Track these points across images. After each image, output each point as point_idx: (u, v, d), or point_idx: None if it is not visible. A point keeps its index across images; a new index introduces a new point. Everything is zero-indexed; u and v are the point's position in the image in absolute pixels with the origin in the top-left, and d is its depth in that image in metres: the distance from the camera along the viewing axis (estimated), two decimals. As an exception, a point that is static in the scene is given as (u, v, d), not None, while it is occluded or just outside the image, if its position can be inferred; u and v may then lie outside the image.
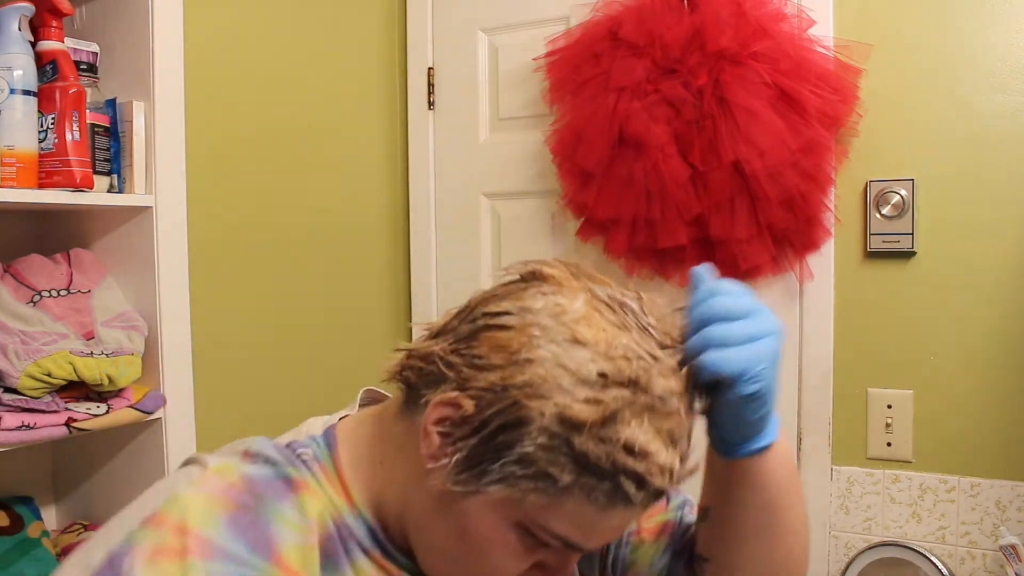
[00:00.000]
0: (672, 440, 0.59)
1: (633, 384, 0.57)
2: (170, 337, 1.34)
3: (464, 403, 0.59)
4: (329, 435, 0.70)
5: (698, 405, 0.63)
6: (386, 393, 0.77)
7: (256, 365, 1.62)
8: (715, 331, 0.61)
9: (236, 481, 0.61)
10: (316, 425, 0.72)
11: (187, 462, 0.65)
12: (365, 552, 0.65)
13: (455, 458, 0.59)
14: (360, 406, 0.76)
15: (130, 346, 1.28)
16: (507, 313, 0.61)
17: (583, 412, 0.56)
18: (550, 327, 0.59)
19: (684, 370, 0.61)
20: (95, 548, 0.58)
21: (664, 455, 0.58)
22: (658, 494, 0.59)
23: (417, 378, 0.64)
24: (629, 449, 0.57)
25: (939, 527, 1.53)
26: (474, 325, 0.62)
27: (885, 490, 1.57)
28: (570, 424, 0.56)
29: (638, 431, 0.57)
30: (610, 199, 1.64)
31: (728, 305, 0.62)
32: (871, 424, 1.58)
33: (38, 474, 1.42)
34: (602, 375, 0.57)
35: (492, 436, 0.58)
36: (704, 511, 0.72)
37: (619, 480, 0.57)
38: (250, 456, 0.64)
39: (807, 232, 1.56)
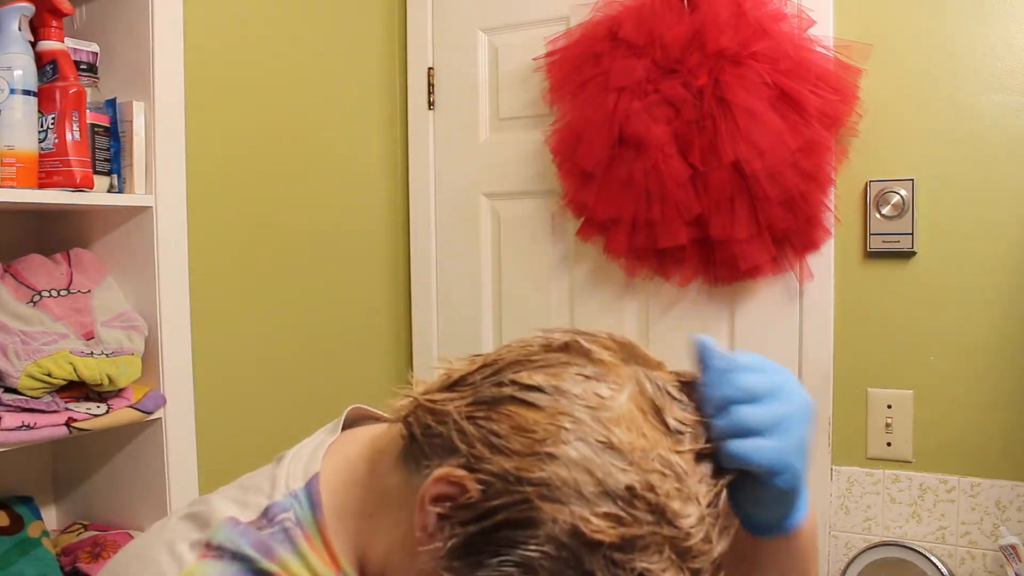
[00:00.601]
0: None
1: (660, 512, 0.51)
2: (170, 337, 1.34)
3: (470, 486, 0.53)
4: (312, 490, 0.62)
5: (724, 501, 0.57)
6: (375, 412, 0.72)
7: (256, 365, 1.62)
8: (741, 415, 0.55)
9: None
10: (299, 467, 0.64)
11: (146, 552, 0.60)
12: None
13: (450, 543, 0.53)
14: (344, 426, 0.70)
15: (130, 346, 1.28)
16: (539, 390, 0.54)
17: (601, 530, 0.50)
18: (584, 422, 0.52)
19: (713, 476, 0.55)
20: None
21: None
22: None
23: (424, 436, 0.57)
24: None
25: (939, 527, 1.53)
26: (499, 391, 0.55)
27: (885, 490, 1.57)
28: (584, 540, 0.50)
29: (657, 564, 0.51)
30: (610, 199, 1.64)
31: (751, 384, 0.56)
32: (871, 424, 1.58)
33: (38, 474, 1.42)
34: (630, 489, 0.51)
35: (495, 530, 0.52)
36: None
37: None
38: (213, 550, 0.57)
39: (807, 232, 1.56)
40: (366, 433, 0.67)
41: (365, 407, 0.72)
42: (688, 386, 0.57)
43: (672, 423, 0.54)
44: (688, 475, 0.52)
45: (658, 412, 0.54)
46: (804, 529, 0.64)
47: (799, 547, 0.64)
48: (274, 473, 0.64)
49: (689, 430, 0.55)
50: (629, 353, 0.57)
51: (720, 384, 0.56)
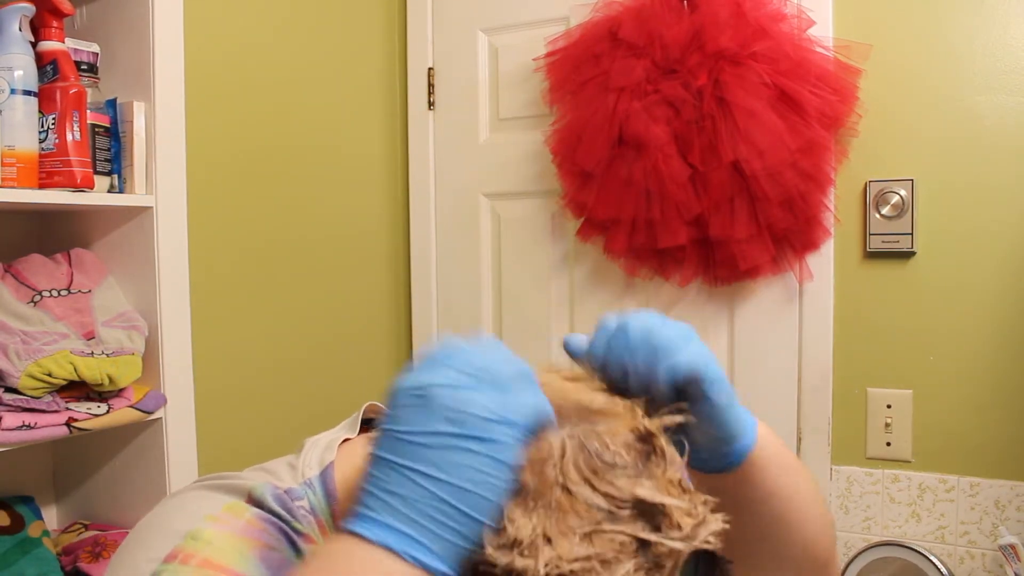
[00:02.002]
0: None
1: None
2: (170, 337, 1.34)
3: None
4: (328, 479, 0.62)
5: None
6: None
7: (256, 364, 1.63)
8: (658, 338, 0.56)
9: (252, 520, 0.57)
10: (315, 456, 0.65)
11: (176, 495, 0.61)
12: None
13: None
14: (362, 422, 0.70)
15: (130, 346, 1.28)
16: None
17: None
18: None
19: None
20: None
21: None
22: None
23: None
24: None
25: (938, 527, 1.53)
26: None
27: (884, 490, 1.57)
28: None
29: None
30: (610, 199, 1.64)
31: (644, 318, 0.57)
32: (870, 424, 1.58)
33: (39, 474, 1.42)
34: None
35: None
36: (724, 565, 0.68)
37: None
38: (255, 502, 0.59)
39: (807, 232, 1.56)
40: None
41: (381, 404, 0.72)
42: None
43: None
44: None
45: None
46: (762, 443, 0.62)
47: (765, 463, 0.62)
48: (291, 462, 0.64)
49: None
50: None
51: (619, 329, 0.57)
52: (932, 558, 1.49)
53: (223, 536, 0.54)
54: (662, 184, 1.57)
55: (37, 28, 1.19)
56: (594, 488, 0.48)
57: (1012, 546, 1.42)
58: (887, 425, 1.57)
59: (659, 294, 1.73)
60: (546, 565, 0.46)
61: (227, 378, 1.54)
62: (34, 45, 1.18)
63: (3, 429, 1.09)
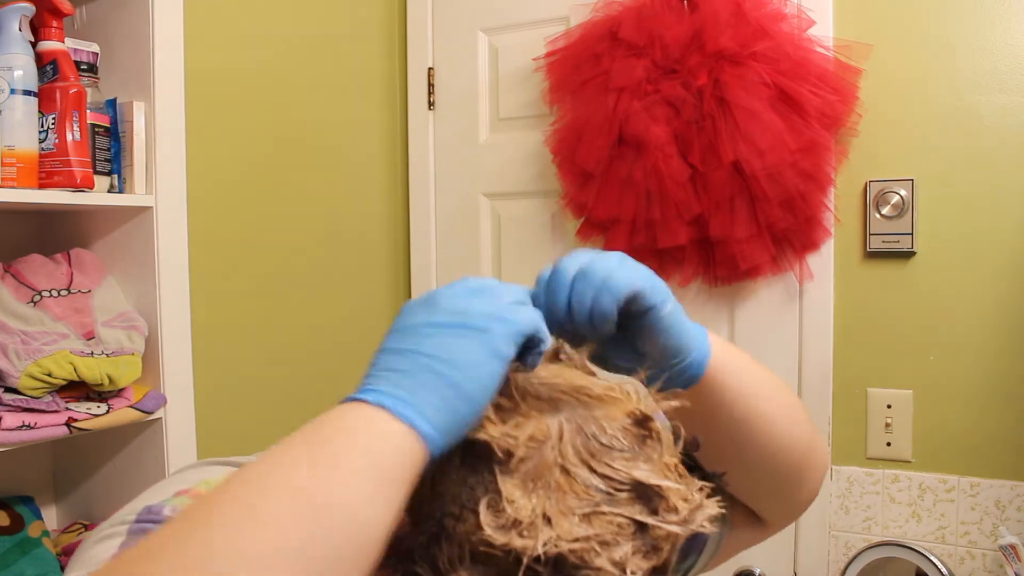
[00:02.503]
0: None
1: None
2: (170, 337, 1.34)
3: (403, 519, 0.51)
4: None
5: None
6: None
7: (256, 365, 1.63)
8: (593, 268, 0.56)
9: None
10: None
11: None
12: None
13: None
14: None
15: (130, 346, 1.28)
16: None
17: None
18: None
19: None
20: (101, 538, 0.55)
21: None
22: None
23: None
24: None
25: (939, 527, 1.53)
26: None
27: (885, 490, 1.57)
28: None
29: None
30: (610, 199, 1.64)
31: (575, 255, 0.58)
32: (871, 424, 1.58)
33: (38, 474, 1.42)
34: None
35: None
36: (695, 444, 0.65)
37: None
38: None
39: (807, 232, 1.56)
40: None
41: None
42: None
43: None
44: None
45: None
46: (717, 355, 0.62)
47: (724, 375, 0.62)
48: None
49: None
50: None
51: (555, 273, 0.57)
52: (932, 558, 1.49)
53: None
54: (662, 184, 1.57)
55: (37, 28, 1.19)
56: (592, 470, 0.49)
57: (1012, 546, 1.42)
58: (887, 425, 1.57)
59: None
60: (545, 544, 0.46)
61: (227, 378, 1.54)
62: (34, 45, 1.18)
63: (3, 429, 1.09)
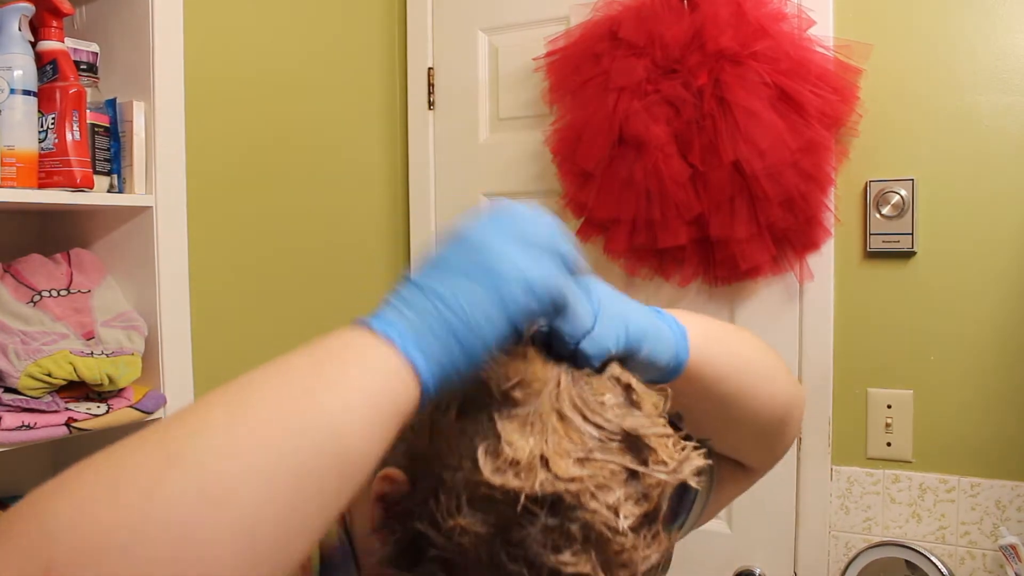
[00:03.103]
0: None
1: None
2: (170, 337, 1.34)
3: (400, 479, 0.54)
4: None
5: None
6: None
7: (256, 365, 1.62)
8: (620, 322, 0.55)
9: None
10: None
11: None
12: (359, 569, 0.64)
13: (392, 542, 0.54)
14: None
15: (130, 346, 1.28)
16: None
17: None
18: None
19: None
20: None
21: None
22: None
23: None
24: None
25: (939, 527, 1.53)
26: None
27: (885, 490, 1.57)
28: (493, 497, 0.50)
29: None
30: (610, 199, 1.64)
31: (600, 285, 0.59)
32: (871, 424, 1.58)
33: (38, 474, 1.41)
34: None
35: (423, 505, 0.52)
36: (678, 416, 0.65)
37: None
38: None
39: (807, 232, 1.56)
40: None
41: None
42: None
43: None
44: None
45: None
46: (697, 346, 0.61)
47: (705, 364, 0.61)
48: None
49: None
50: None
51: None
52: (933, 558, 1.49)
53: None
54: (662, 184, 1.57)
55: (37, 28, 1.19)
56: (585, 418, 0.51)
57: (1013, 546, 1.42)
58: (887, 425, 1.57)
59: (659, 294, 1.73)
60: (542, 484, 0.47)
61: (227, 378, 1.53)
62: (34, 45, 1.18)
63: (3, 429, 1.09)
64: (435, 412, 0.53)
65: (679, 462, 0.51)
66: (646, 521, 0.50)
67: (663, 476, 0.50)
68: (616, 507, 0.49)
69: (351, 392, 0.43)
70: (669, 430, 0.53)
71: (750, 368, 0.67)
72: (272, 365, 0.44)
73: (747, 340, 0.69)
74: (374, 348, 0.45)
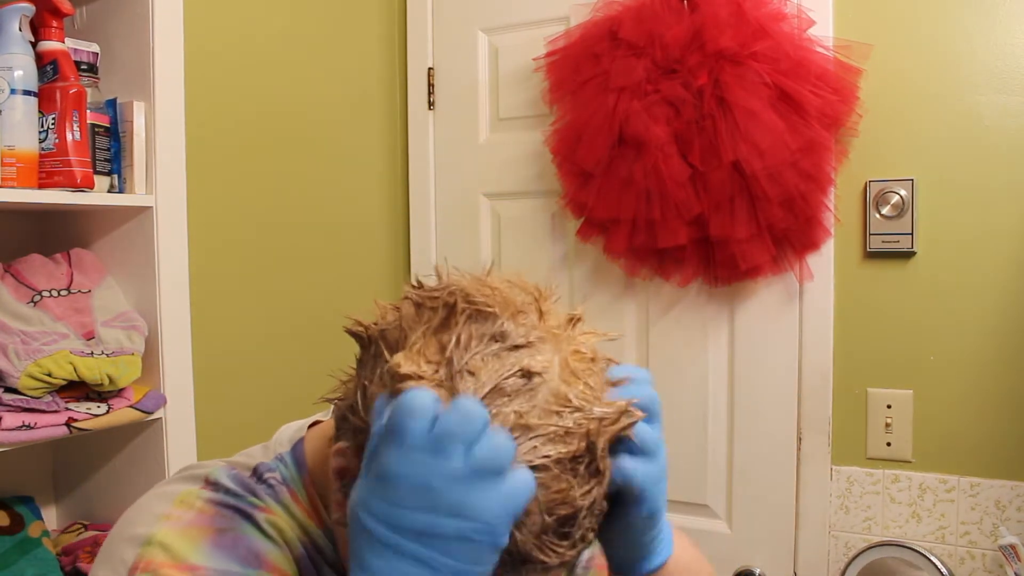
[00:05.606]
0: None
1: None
2: (170, 337, 1.34)
3: (349, 454, 0.56)
4: (298, 452, 0.68)
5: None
6: None
7: (256, 365, 1.63)
8: (640, 431, 0.55)
9: (203, 507, 0.62)
10: (286, 436, 0.71)
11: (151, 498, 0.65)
12: (336, 570, 0.65)
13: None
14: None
15: (130, 346, 1.28)
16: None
17: None
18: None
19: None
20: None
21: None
22: None
23: (337, 413, 0.60)
24: None
25: (939, 527, 1.53)
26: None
27: (885, 490, 1.57)
28: None
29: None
30: (610, 199, 1.64)
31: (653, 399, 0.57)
32: (871, 424, 1.58)
33: (38, 474, 1.42)
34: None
35: None
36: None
37: None
38: (211, 485, 0.64)
39: (807, 232, 1.56)
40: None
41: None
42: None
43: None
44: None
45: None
46: (672, 566, 0.64)
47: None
48: (265, 444, 0.71)
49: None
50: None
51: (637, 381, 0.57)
52: (932, 558, 1.49)
53: (174, 534, 0.59)
54: (662, 184, 1.57)
55: (37, 28, 1.19)
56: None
57: (1012, 546, 1.42)
58: (887, 425, 1.57)
59: (659, 294, 1.73)
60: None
61: (227, 378, 1.54)
62: (34, 45, 1.18)
63: (3, 429, 1.09)
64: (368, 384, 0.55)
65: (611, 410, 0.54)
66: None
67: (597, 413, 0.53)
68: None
69: None
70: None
71: None
72: None
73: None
74: None
